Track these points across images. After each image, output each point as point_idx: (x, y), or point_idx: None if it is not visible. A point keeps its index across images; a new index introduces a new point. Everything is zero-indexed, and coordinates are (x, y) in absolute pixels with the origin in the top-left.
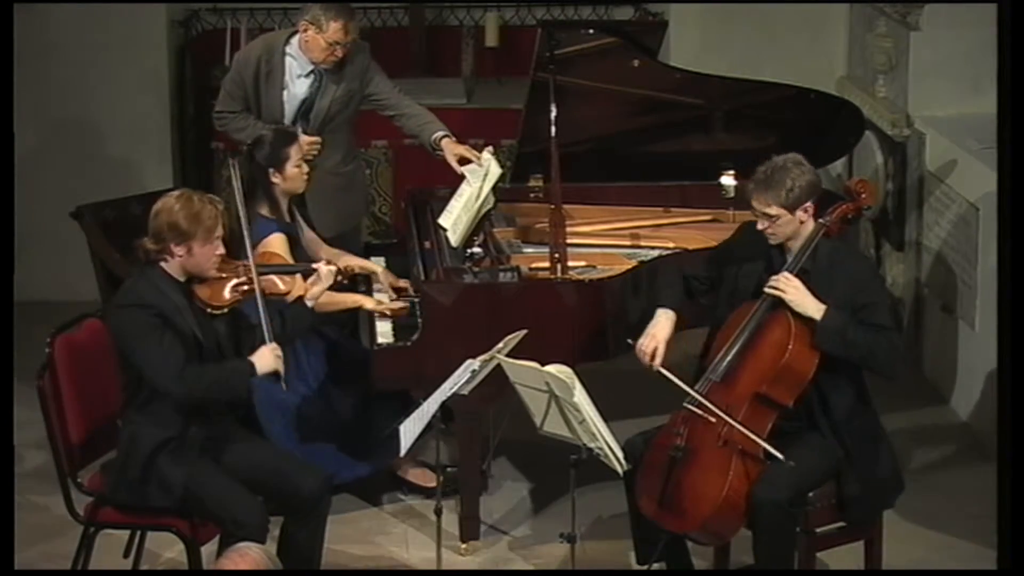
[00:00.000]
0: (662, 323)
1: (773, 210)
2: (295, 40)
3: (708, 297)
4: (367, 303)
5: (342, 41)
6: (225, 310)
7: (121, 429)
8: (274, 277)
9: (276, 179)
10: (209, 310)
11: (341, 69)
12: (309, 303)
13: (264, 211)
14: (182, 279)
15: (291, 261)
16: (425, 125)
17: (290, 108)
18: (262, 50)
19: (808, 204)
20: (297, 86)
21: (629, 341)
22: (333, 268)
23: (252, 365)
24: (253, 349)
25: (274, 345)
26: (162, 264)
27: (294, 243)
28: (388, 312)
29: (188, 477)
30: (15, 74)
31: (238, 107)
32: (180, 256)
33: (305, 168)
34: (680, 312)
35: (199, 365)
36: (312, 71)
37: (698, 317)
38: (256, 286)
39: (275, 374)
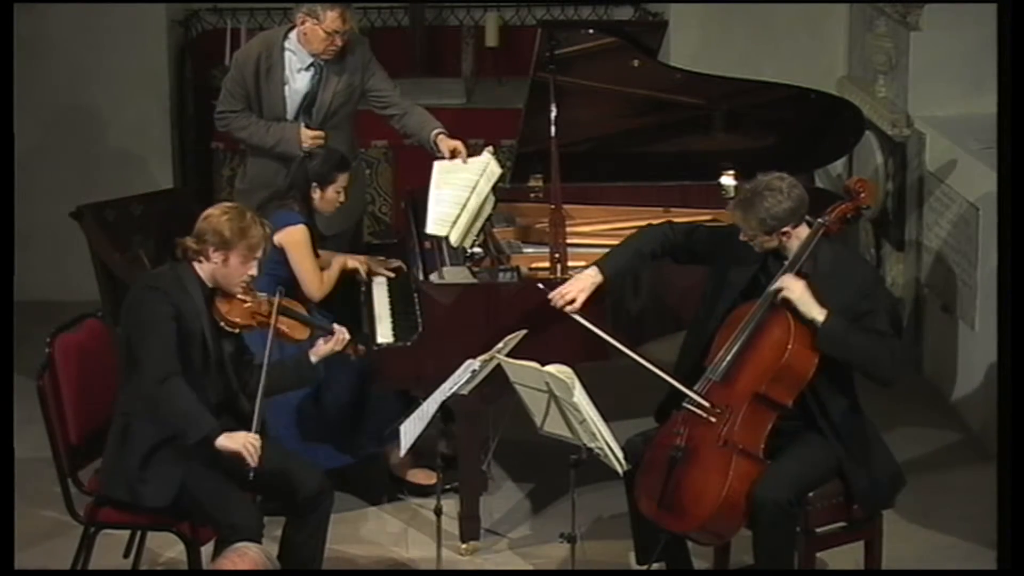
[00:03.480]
0: (588, 278)
1: (751, 232)
2: (293, 35)
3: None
4: (351, 261)
5: (340, 29)
6: (236, 331)
7: (115, 417)
8: (294, 321)
9: (315, 194)
10: (222, 324)
11: (342, 61)
12: (314, 359)
13: (294, 208)
14: (209, 284)
15: (313, 254)
16: (425, 124)
17: (292, 103)
18: (261, 47)
19: (787, 228)
20: (298, 81)
21: (540, 285)
22: (347, 337)
23: (218, 433)
24: (247, 386)
25: (255, 437)
26: (195, 264)
27: (314, 241)
28: (383, 272)
29: (183, 478)
30: (15, 73)
31: (239, 106)
32: (215, 263)
33: (343, 197)
34: (613, 278)
35: (183, 387)
36: (312, 64)
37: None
38: (272, 320)
39: (238, 456)
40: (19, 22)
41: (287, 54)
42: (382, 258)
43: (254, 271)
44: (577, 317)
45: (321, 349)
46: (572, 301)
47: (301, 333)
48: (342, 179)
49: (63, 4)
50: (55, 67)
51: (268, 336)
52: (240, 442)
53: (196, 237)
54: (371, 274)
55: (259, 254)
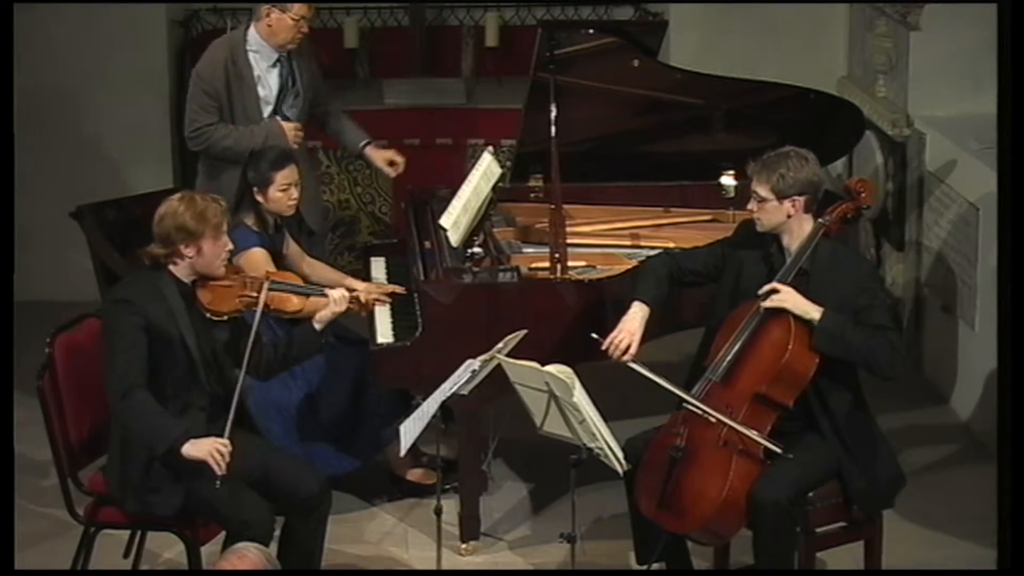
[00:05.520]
0: (636, 317)
1: (763, 191)
2: (251, 35)
3: (698, 286)
4: (351, 287)
5: (307, 15)
6: (224, 318)
7: (112, 428)
8: (289, 295)
9: (259, 198)
10: (208, 315)
11: (301, 54)
12: (317, 327)
13: (249, 221)
14: (189, 281)
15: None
16: (352, 131)
17: (266, 103)
18: (226, 53)
19: (798, 198)
20: (270, 78)
21: (594, 335)
22: (347, 295)
23: (183, 441)
24: (258, 365)
25: (223, 443)
26: (170, 267)
27: (276, 257)
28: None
29: (191, 479)
30: (15, 74)
31: (214, 118)
32: (190, 257)
33: (294, 193)
34: (655, 307)
35: (144, 399)
36: (277, 60)
37: (697, 318)
38: (261, 301)
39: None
40: (19, 23)
41: (251, 55)
42: (384, 285)
43: (229, 244)
44: (633, 366)
45: (323, 314)
46: (628, 348)
47: (295, 304)
48: (281, 177)
49: (63, 5)
50: (55, 67)
51: (256, 315)
52: (205, 450)
53: (161, 242)
54: (369, 304)
55: (225, 227)
